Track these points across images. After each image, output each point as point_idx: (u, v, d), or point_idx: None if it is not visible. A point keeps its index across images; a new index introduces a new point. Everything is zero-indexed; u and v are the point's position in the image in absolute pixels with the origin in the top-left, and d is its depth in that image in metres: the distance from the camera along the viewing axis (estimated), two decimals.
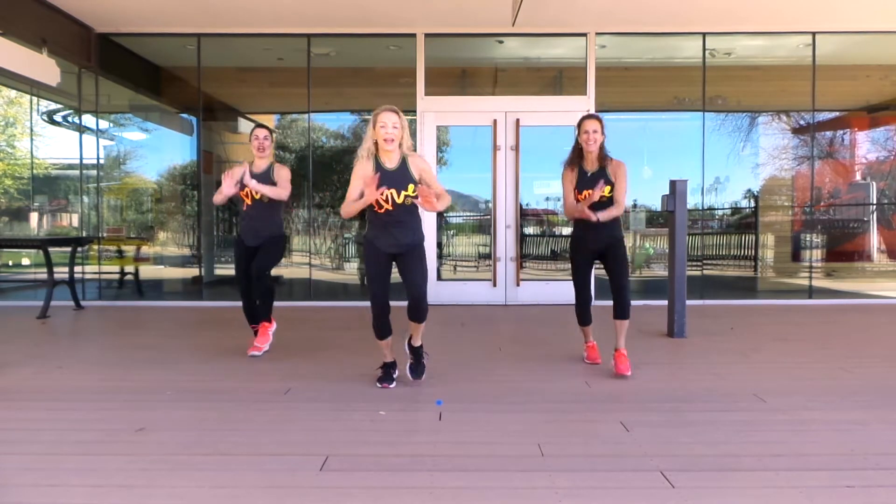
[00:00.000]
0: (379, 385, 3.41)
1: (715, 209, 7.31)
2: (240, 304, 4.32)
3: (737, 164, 7.25)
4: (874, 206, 7.55)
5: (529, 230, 7.30)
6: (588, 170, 3.78)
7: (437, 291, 6.76)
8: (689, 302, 4.89)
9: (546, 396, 3.24)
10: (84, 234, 7.14)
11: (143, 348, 4.50)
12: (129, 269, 7.35)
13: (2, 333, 5.18)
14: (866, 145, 7.81)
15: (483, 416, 2.92)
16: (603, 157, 3.75)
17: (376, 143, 3.26)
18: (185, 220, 7.51)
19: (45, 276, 6.15)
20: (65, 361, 4.07)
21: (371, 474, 2.26)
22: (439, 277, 6.90)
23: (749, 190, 7.48)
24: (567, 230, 7.09)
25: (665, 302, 5.04)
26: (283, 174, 4.17)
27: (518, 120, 6.71)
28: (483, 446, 2.54)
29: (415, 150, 3.35)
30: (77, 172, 7.20)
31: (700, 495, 2.08)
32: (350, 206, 3.23)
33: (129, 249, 7.36)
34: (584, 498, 2.07)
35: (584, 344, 4.09)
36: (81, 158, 7.08)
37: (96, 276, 7.15)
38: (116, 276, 7.35)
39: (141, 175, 7.49)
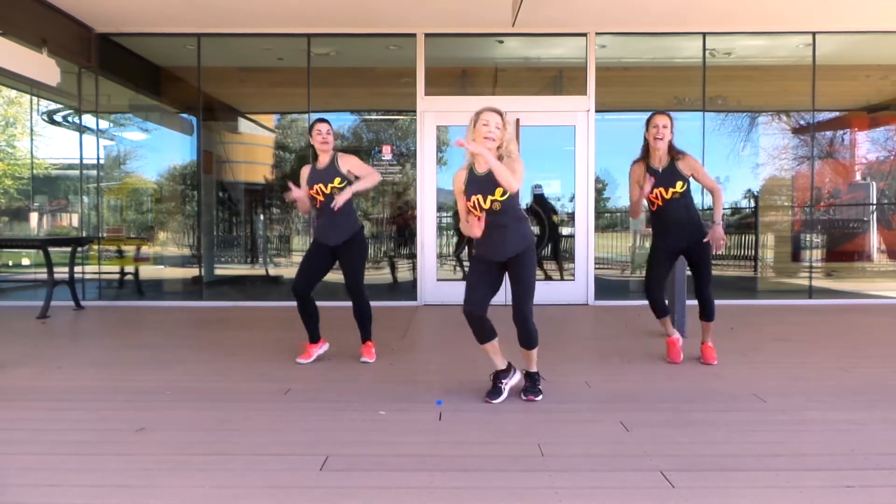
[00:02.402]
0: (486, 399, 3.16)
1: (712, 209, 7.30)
2: (241, 304, 4.29)
3: (737, 164, 7.26)
4: (874, 206, 7.55)
5: None
6: (657, 167, 3.75)
7: (438, 291, 6.76)
8: (689, 302, 4.88)
9: (546, 396, 3.24)
10: (84, 234, 7.14)
11: (143, 348, 4.50)
12: (129, 269, 7.35)
13: (2, 333, 5.18)
14: (866, 145, 7.81)
15: (483, 416, 2.92)
16: (674, 152, 3.74)
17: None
18: (184, 220, 7.51)
19: (45, 276, 6.15)
20: (65, 361, 4.07)
21: (371, 474, 2.26)
22: (439, 277, 6.90)
23: (749, 190, 7.48)
24: (567, 230, 7.09)
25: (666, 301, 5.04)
26: (353, 162, 3.91)
27: (518, 120, 6.71)
28: (483, 446, 2.54)
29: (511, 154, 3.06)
30: (77, 172, 7.20)
31: (700, 495, 2.08)
32: (463, 226, 3.12)
33: (129, 249, 7.36)
34: (584, 498, 2.07)
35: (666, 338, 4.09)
36: (81, 158, 7.08)
37: (96, 276, 7.15)
38: (116, 276, 7.35)
39: (141, 175, 7.49)
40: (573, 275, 6.89)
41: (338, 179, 3.83)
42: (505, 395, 3.19)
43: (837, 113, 7.51)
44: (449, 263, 7.19)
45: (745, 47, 7.07)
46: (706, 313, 3.92)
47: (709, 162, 6.95)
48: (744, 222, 7.55)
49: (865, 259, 7.58)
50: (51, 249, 6.15)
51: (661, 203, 3.75)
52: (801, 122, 7.33)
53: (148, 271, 7.39)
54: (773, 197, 7.60)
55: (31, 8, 5.72)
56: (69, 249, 6.43)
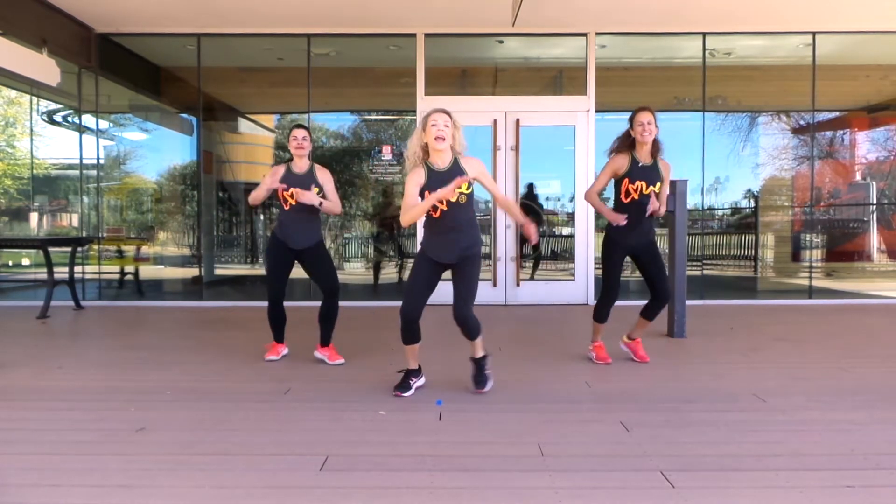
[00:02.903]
0: (394, 393, 3.28)
1: (715, 209, 7.31)
2: (241, 304, 4.30)
3: (737, 164, 7.26)
4: (874, 206, 7.55)
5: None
6: (641, 161, 3.73)
7: (437, 291, 6.73)
8: (689, 302, 4.88)
9: (546, 396, 3.24)
10: (84, 234, 7.14)
11: (143, 348, 4.50)
12: (129, 269, 7.35)
13: (2, 333, 5.18)
14: (866, 145, 7.81)
15: (483, 416, 2.92)
16: (657, 150, 3.73)
17: (425, 148, 3.16)
18: (184, 220, 7.51)
19: (45, 276, 6.15)
20: (65, 361, 4.07)
21: (371, 474, 2.26)
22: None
23: (749, 190, 7.48)
24: (566, 230, 7.09)
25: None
26: (329, 182, 3.95)
27: (518, 120, 6.71)
28: (483, 446, 2.54)
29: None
30: (77, 172, 7.20)
31: (700, 495, 2.08)
32: (409, 213, 3.11)
33: (129, 249, 7.36)
34: (584, 498, 2.07)
35: (593, 343, 4.05)
36: (81, 158, 7.08)
37: (96, 276, 7.16)
38: (116, 276, 7.35)
39: (141, 175, 7.49)
40: (573, 275, 6.89)
41: (316, 189, 3.89)
42: (412, 391, 3.32)
43: (837, 113, 7.51)
44: None
45: (745, 47, 7.07)
46: (654, 311, 3.88)
47: (709, 162, 6.96)
48: (744, 222, 7.55)
49: (865, 259, 7.58)
50: (51, 249, 6.15)
51: (636, 197, 3.72)
52: (801, 122, 7.33)
53: (148, 271, 7.39)
54: (773, 197, 7.60)
55: (31, 8, 5.72)
56: (69, 249, 6.43)
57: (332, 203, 3.92)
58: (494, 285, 6.83)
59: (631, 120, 3.74)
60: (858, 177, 7.69)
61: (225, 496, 2.09)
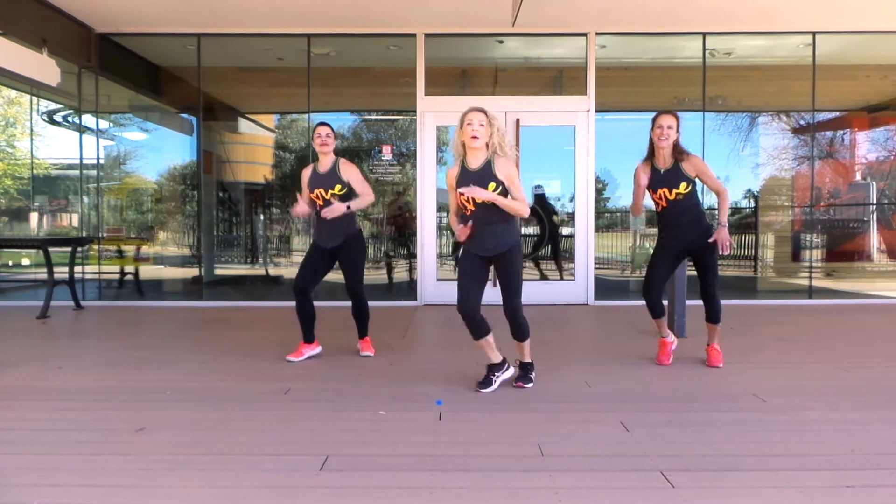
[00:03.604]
0: (476, 390, 3.30)
1: (715, 209, 7.30)
2: (241, 304, 4.29)
3: (737, 164, 7.26)
4: (874, 206, 7.55)
5: (530, 230, 7.30)
6: (660, 167, 3.74)
7: (438, 291, 6.76)
8: (689, 302, 4.88)
9: (546, 396, 3.24)
10: (84, 234, 7.14)
11: (143, 348, 4.50)
12: (129, 269, 7.35)
13: (2, 333, 5.18)
14: (866, 145, 7.81)
15: (483, 416, 2.92)
16: (679, 152, 3.72)
17: (464, 145, 3.20)
18: (185, 220, 7.51)
19: (45, 276, 6.15)
20: (65, 361, 4.07)
21: (371, 474, 2.26)
22: (439, 277, 6.90)
23: (749, 190, 7.48)
24: (567, 230, 7.08)
25: (665, 302, 5.04)
26: (354, 174, 3.96)
27: (518, 120, 6.71)
28: (483, 446, 2.54)
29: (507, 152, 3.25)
30: (77, 172, 7.20)
31: (700, 495, 2.08)
32: (453, 219, 3.32)
33: (129, 249, 7.36)
34: (584, 498, 2.07)
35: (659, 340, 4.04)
36: (81, 158, 7.08)
37: (96, 276, 7.16)
38: (116, 276, 7.35)
39: (141, 175, 7.49)
40: (573, 275, 6.89)
41: (338, 186, 3.90)
42: (495, 386, 3.33)
43: (837, 113, 7.51)
44: (449, 263, 7.19)
45: (745, 47, 7.07)
46: (712, 315, 3.88)
47: (709, 162, 6.91)
48: (744, 222, 7.55)
49: (865, 259, 7.58)
50: (51, 249, 6.15)
51: (665, 204, 3.75)
52: (801, 122, 7.33)
53: (148, 271, 7.39)
54: (774, 197, 7.60)
55: (31, 8, 5.72)
56: (69, 249, 6.43)
57: (362, 198, 3.95)
58: (494, 285, 6.80)
59: (652, 121, 3.75)
60: (858, 177, 7.69)
61: (225, 496, 2.09)
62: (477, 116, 3.15)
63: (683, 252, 3.89)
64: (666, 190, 3.70)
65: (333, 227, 3.91)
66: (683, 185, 3.69)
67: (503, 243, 3.20)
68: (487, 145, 3.18)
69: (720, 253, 3.72)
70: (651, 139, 3.76)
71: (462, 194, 3.14)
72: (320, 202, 3.89)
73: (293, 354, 4.06)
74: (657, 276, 3.89)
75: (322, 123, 3.99)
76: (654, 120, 3.73)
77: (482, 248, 3.23)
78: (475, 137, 3.12)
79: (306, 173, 4.01)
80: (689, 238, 3.77)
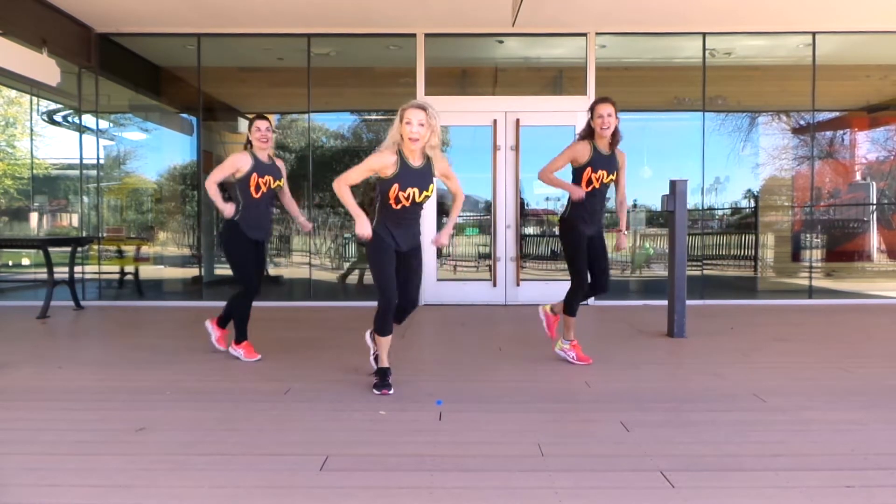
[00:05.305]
0: (377, 392, 3.29)
1: (715, 209, 7.31)
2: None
3: (737, 164, 7.26)
4: (874, 206, 7.55)
5: (529, 230, 7.30)
6: (603, 150, 3.80)
7: (438, 291, 6.76)
8: (689, 302, 4.88)
9: (546, 396, 3.24)
10: (84, 234, 7.14)
11: (143, 348, 4.50)
12: (129, 269, 7.35)
13: (2, 333, 5.18)
14: (866, 145, 7.81)
15: (483, 416, 2.92)
16: (616, 141, 3.79)
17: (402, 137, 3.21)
18: (184, 220, 7.51)
19: (45, 276, 6.14)
20: (65, 361, 4.07)
21: (371, 474, 2.26)
22: (439, 278, 6.90)
23: (749, 190, 7.48)
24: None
25: (665, 302, 5.04)
26: (284, 178, 4.12)
27: (518, 120, 6.71)
28: (483, 446, 2.54)
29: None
30: (77, 172, 7.20)
31: (700, 495, 2.08)
32: (345, 194, 3.20)
33: (129, 249, 7.36)
34: (584, 498, 2.07)
35: (570, 342, 4.00)
36: (81, 158, 7.08)
37: (96, 276, 7.16)
38: (116, 276, 7.35)
39: (141, 175, 7.49)
40: None
41: (283, 180, 4.03)
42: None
43: (837, 113, 7.51)
44: (449, 263, 7.20)
45: (745, 47, 7.07)
46: (580, 302, 3.93)
47: (709, 162, 6.96)
48: (744, 222, 7.55)
49: (865, 259, 7.58)
50: (51, 249, 6.15)
51: (597, 185, 3.79)
52: (801, 122, 7.34)
53: (148, 271, 7.39)
54: (773, 197, 7.60)
55: (31, 8, 5.72)
56: (69, 249, 6.43)
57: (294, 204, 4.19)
58: (494, 285, 6.83)
59: (591, 111, 3.78)
60: (858, 177, 7.69)
61: (225, 496, 2.09)
62: (416, 115, 3.11)
63: (588, 237, 3.89)
64: (605, 172, 3.77)
65: (263, 219, 4.00)
66: (616, 172, 3.81)
67: (419, 239, 3.39)
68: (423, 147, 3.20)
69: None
70: (589, 125, 3.78)
71: (403, 191, 3.16)
72: (264, 189, 3.91)
73: (250, 355, 4.04)
74: (587, 267, 3.88)
75: (261, 117, 3.93)
76: (594, 108, 3.74)
77: (406, 243, 3.32)
78: (414, 139, 3.13)
79: (247, 158, 3.87)
80: (595, 224, 3.88)
